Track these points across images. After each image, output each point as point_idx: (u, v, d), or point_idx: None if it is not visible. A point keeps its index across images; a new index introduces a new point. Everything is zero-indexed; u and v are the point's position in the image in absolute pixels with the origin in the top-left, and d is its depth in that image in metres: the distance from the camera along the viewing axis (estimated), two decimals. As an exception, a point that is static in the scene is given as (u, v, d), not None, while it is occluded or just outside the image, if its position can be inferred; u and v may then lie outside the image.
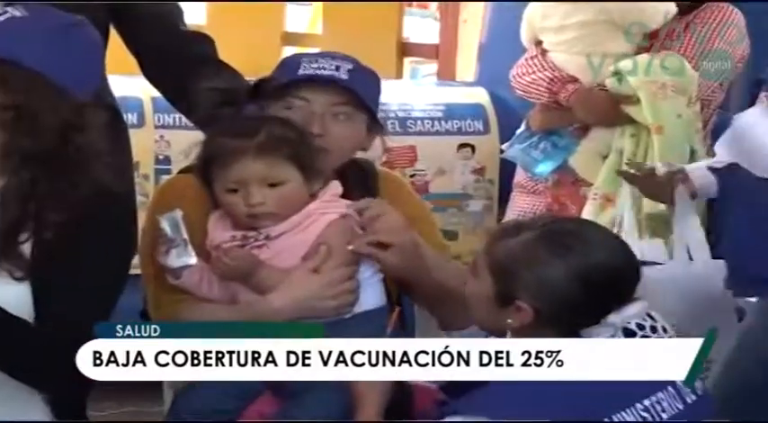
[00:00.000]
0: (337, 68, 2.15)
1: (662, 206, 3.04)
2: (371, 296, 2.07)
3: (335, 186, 2.11)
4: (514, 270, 1.89)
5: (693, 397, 1.87)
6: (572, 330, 1.86)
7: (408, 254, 2.08)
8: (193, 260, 2.00)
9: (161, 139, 3.35)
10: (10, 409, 1.88)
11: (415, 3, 6.11)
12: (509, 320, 1.87)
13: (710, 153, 3.16)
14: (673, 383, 1.86)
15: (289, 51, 4.72)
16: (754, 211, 2.58)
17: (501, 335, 1.93)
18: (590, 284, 1.87)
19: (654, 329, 1.89)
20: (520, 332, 1.87)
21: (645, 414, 1.80)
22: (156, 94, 2.56)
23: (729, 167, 2.56)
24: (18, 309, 1.82)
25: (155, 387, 2.27)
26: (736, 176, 2.67)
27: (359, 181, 2.19)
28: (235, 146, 2.01)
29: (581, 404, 1.78)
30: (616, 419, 1.78)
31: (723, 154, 2.76)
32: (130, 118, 3.27)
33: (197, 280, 2.02)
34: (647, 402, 1.81)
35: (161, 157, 3.38)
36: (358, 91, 2.12)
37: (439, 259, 2.16)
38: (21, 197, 1.82)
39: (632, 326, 1.87)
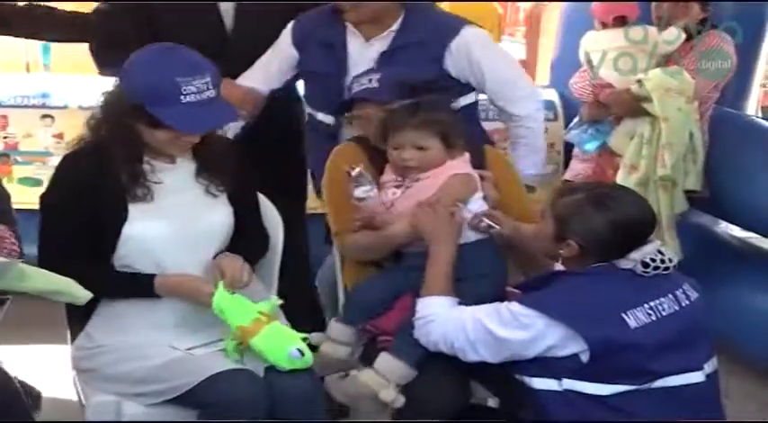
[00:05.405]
0: None
1: (669, 169, 3.46)
2: (472, 234, 2.35)
3: (467, 156, 2.42)
4: (569, 219, 2.10)
5: (687, 302, 2.09)
6: (604, 260, 2.09)
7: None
8: (374, 192, 2.41)
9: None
10: None
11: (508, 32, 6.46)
12: (561, 251, 2.14)
13: (705, 137, 3.64)
14: (673, 291, 2.06)
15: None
16: None
17: (554, 260, 2.22)
18: (620, 232, 2.08)
19: (663, 261, 2.07)
20: (567, 260, 2.15)
21: (650, 311, 2.03)
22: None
23: None
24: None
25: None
26: None
27: (471, 153, 2.48)
28: (400, 121, 2.38)
29: (605, 306, 2.02)
30: (630, 314, 1.99)
31: None
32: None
33: (373, 204, 2.41)
34: (652, 303, 2.04)
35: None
36: None
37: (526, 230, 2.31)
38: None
39: (647, 259, 2.07)
